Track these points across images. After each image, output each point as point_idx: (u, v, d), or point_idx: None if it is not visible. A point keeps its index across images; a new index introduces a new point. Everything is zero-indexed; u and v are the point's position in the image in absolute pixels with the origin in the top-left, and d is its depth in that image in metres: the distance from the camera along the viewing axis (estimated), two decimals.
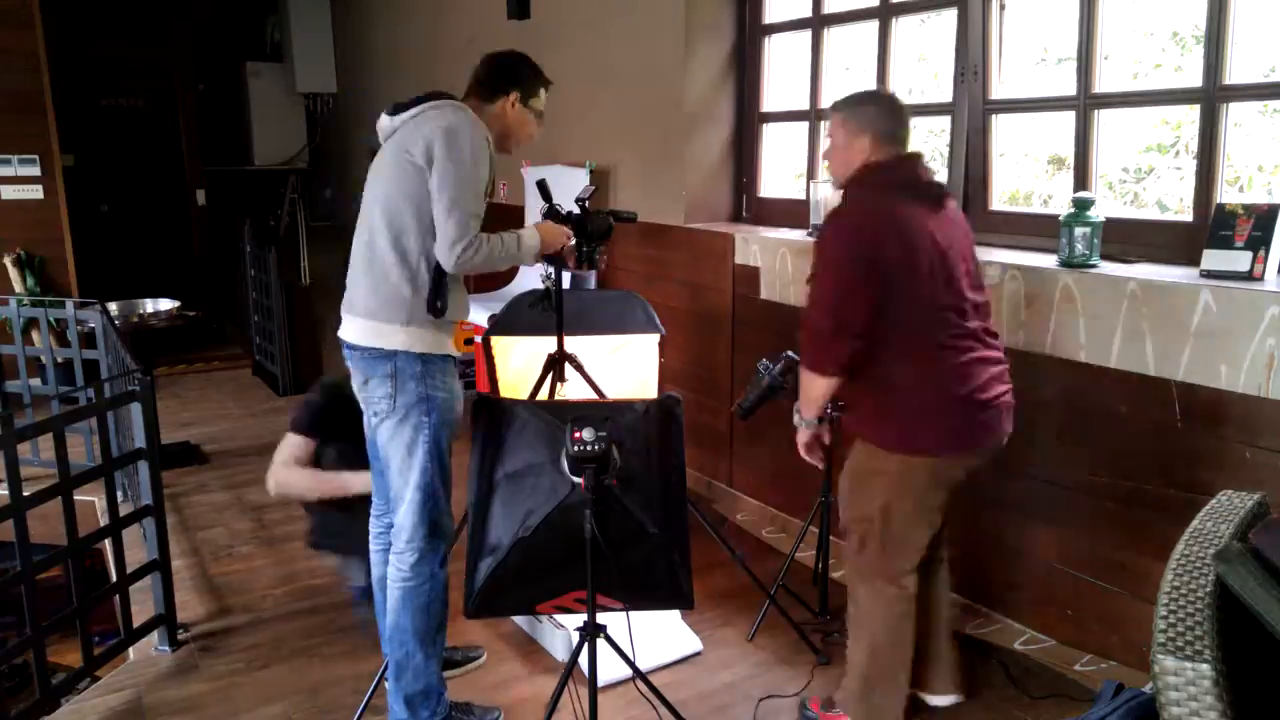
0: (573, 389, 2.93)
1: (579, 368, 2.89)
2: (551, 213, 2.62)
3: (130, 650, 2.94)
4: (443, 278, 2.25)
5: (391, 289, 2.23)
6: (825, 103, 3.77)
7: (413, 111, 2.29)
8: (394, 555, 2.34)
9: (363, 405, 2.38)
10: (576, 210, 2.68)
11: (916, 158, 2.33)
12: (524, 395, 2.90)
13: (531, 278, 4.75)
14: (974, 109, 3.12)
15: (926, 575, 2.43)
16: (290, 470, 2.93)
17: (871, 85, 3.51)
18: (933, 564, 2.46)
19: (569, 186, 3.63)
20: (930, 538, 2.34)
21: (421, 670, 2.36)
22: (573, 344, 2.94)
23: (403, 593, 2.32)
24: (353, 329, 2.31)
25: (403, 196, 2.22)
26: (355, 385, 2.37)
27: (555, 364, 2.89)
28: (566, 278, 2.84)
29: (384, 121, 2.36)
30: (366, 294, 2.27)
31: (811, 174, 3.82)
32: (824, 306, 2.19)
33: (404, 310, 2.23)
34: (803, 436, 2.41)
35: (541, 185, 2.66)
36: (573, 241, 2.59)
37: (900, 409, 2.21)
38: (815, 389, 2.26)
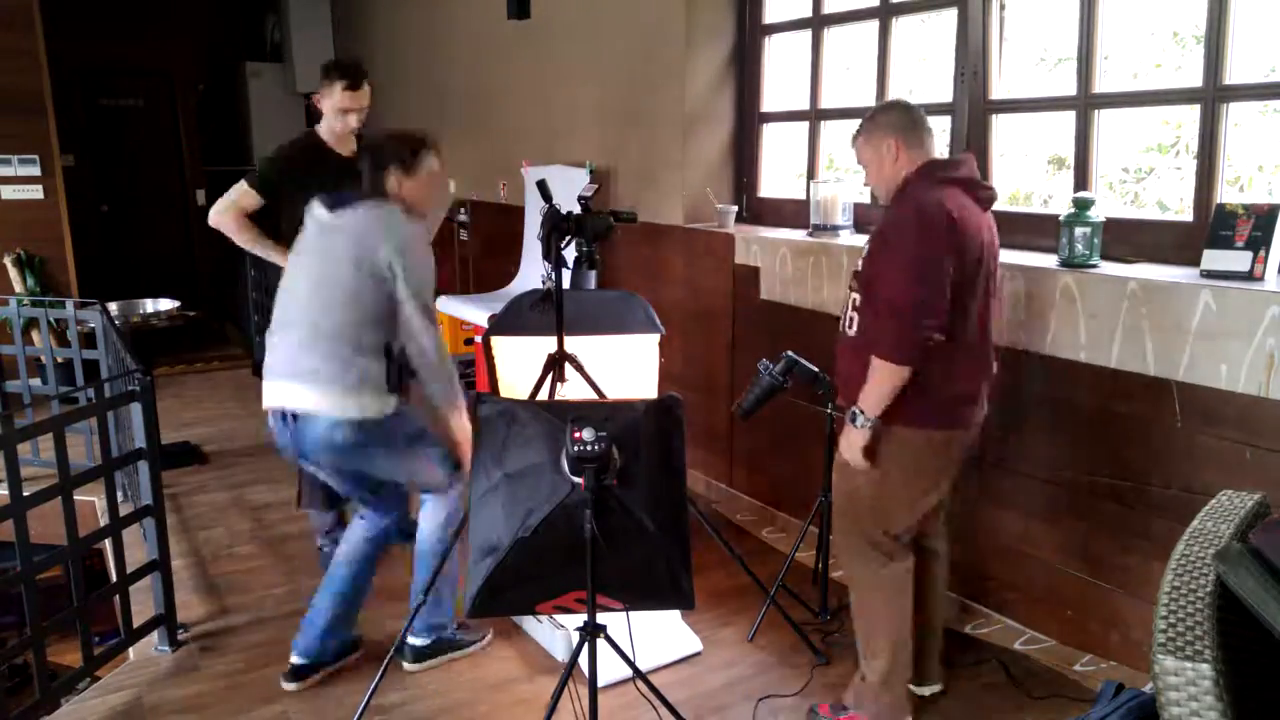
0: (573, 389, 2.92)
1: (579, 368, 2.89)
2: (552, 212, 2.65)
3: (130, 650, 2.94)
4: (394, 361, 2.48)
5: (357, 373, 2.42)
6: (825, 103, 3.77)
7: (356, 212, 2.48)
8: (423, 521, 2.73)
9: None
10: (578, 209, 2.69)
11: (971, 158, 2.38)
12: (524, 395, 2.89)
13: (532, 278, 4.75)
14: (974, 109, 3.12)
15: (924, 567, 2.47)
16: (232, 216, 3.21)
17: (872, 87, 3.51)
18: (929, 554, 2.51)
19: (569, 186, 3.63)
20: (922, 513, 2.39)
21: (442, 605, 2.76)
22: (573, 344, 2.93)
23: (434, 544, 2.70)
24: (310, 401, 2.45)
25: (360, 295, 2.41)
26: (334, 471, 2.64)
27: (555, 364, 2.89)
28: (566, 277, 2.84)
29: (322, 214, 2.52)
30: (328, 371, 2.43)
31: (812, 174, 3.82)
32: (904, 293, 2.15)
33: (367, 384, 2.44)
34: (860, 438, 2.27)
35: (541, 185, 2.70)
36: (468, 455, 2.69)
37: (920, 387, 2.22)
38: (889, 381, 2.18)
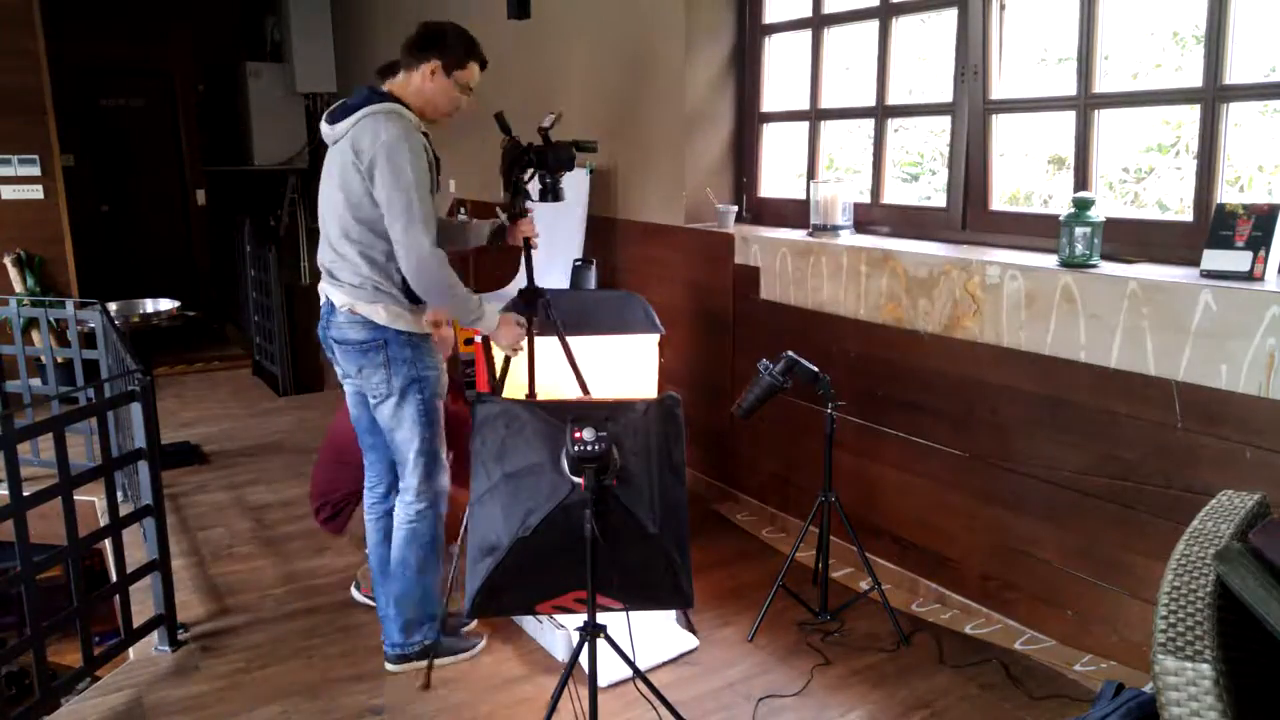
0: (564, 383, 2.92)
1: (547, 307, 2.79)
2: (513, 145, 2.67)
3: (130, 650, 2.94)
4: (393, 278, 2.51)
5: (366, 277, 2.49)
6: (825, 103, 3.77)
7: (350, 120, 2.45)
8: (402, 505, 2.66)
9: (360, 389, 2.66)
10: (539, 141, 2.69)
11: None
12: (523, 395, 2.89)
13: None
14: (974, 109, 3.12)
15: None
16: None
17: (872, 87, 3.51)
18: None
19: (569, 187, 3.62)
20: None
21: (421, 599, 2.69)
22: (572, 343, 2.93)
23: (409, 532, 2.65)
24: (340, 295, 2.53)
25: (357, 205, 2.45)
26: (348, 375, 2.63)
27: (530, 304, 2.80)
28: (565, 272, 2.84)
29: (325, 129, 2.53)
30: (346, 277, 2.51)
31: (812, 174, 3.82)
32: None
33: (382, 294, 2.50)
34: None
35: (499, 117, 2.70)
36: (524, 345, 2.73)
37: None
38: None
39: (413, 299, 2.52)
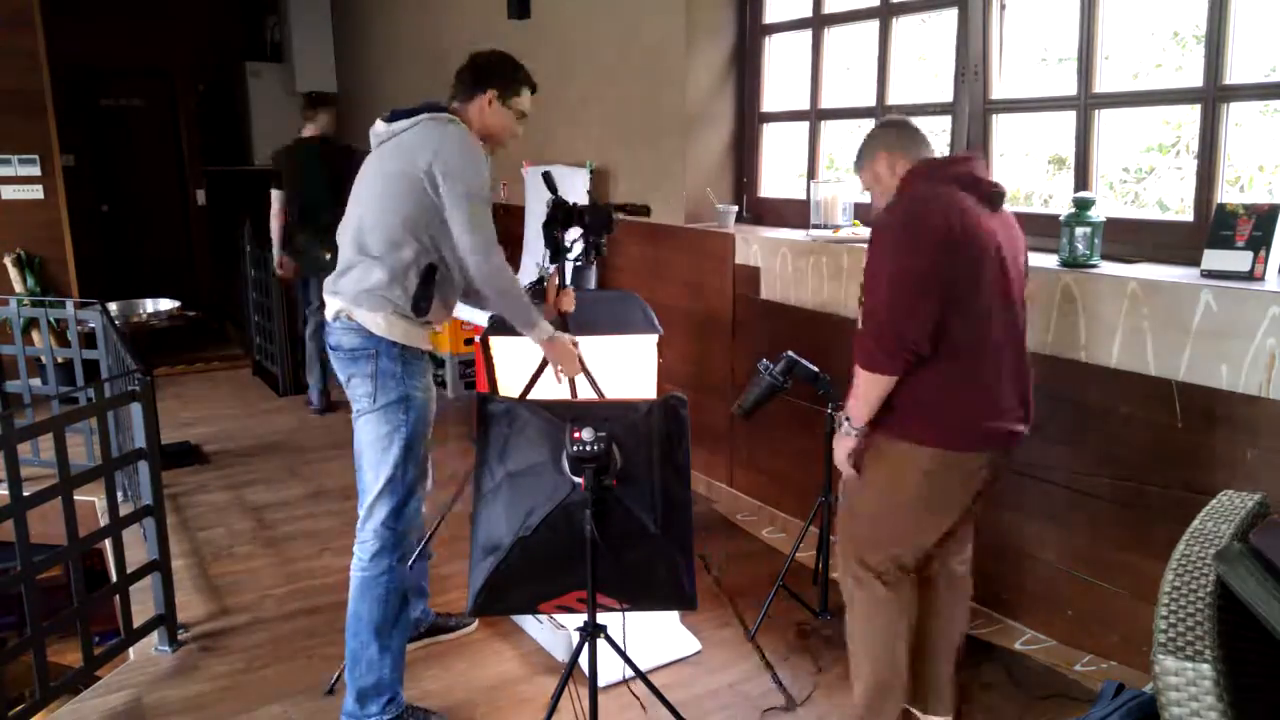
0: (580, 388, 2.92)
1: (580, 361, 2.86)
2: (557, 202, 2.64)
3: (130, 650, 2.93)
4: (429, 284, 2.35)
5: (376, 284, 2.32)
6: (825, 103, 3.77)
7: (409, 121, 2.35)
8: (357, 544, 2.41)
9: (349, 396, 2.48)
10: (584, 201, 2.70)
11: (973, 155, 2.25)
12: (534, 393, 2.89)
13: (531, 276, 4.74)
14: (974, 109, 3.12)
15: (939, 587, 2.36)
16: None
17: (872, 87, 3.51)
18: (947, 576, 2.37)
19: (570, 187, 3.63)
20: (928, 541, 2.25)
21: (375, 664, 2.39)
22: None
23: (361, 582, 2.39)
24: (339, 302, 2.39)
25: (399, 206, 2.30)
26: (341, 380, 2.46)
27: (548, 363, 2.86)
28: (568, 268, 2.83)
29: (379, 127, 2.42)
30: (353, 284, 2.36)
31: (812, 174, 3.82)
32: (884, 302, 2.06)
33: (387, 303, 2.32)
34: (849, 444, 2.20)
35: (547, 176, 2.71)
36: (580, 371, 2.65)
37: (919, 400, 2.10)
38: (868, 389, 2.11)
39: (419, 311, 2.35)
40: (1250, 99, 2.52)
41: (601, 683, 2.37)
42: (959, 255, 2.03)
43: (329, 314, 2.41)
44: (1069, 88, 2.86)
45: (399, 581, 2.41)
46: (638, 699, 2.50)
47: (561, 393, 2.70)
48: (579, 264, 2.81)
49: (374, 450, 2.36)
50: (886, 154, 2.20)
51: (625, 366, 3.20)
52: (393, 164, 2.33)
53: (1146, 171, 3.21)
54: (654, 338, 3.17)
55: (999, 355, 2.12)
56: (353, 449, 2.46)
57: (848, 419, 2.19)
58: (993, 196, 2.15)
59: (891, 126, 2.26)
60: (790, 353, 2.84)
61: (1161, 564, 1.57)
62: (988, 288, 2.07)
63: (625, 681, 2.58)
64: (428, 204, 2.28)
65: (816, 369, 2.82)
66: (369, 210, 2.35)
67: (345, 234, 2.42)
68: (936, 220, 2.03)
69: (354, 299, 2.34)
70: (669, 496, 2.18)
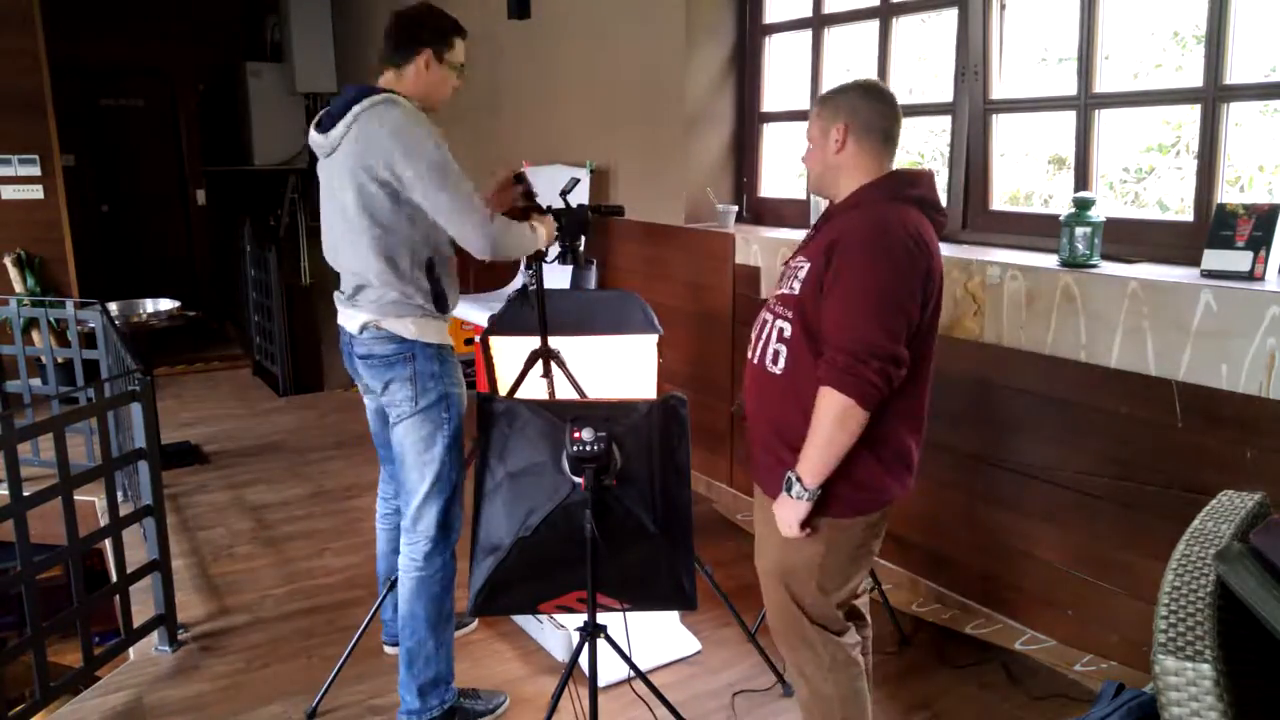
0: (559, 388, 2.92)
1: (561, 364, 2.87)
2: (531, 206, 2.63)
3: (130, 650, 2.93)
4: (436, 278, 2.33)
5: (397, 297, 2.31)
6: None
7: (343, 126, 2.24)
8: (407, 545, 2.42)
9: (379, 406, 2.48)
10: (560, 204, 2.68)
11: (931, 176, 1.99)
12: (519, 394, 2.89)
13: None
14: (974, 109, 3.12)
15: (864, 616, 2.18)
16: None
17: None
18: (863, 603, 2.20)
19: (554, 188, 3.62)
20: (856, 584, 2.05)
21: (433, 658, 2.43)
22: (570, 343, 2.93)
23: (416, 582, 2.41)
24: (360, 319, 2.34)
25: (372, 227, 2.25)
26: (372, 390, 2.44)
27: (536, 359, 2.87)
28: (547, 272, 2.83)
29: (316, 137, 2.32)
30: (371, 300, 2.32)
31: None
32: (866, 326, 1.79)
33: (413, 308, 2.32)
34: (799, 511, 1.86)
35: (520, 178, 2.65)
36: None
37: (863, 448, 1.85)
38: (846, 428, 1.78)
39: (441, 309, 2.35)
40: (1250, 99, 2.52)
41: (601, 683, 2.37)
42: (930, 281, 1.87)
43: (353, 327, 2.36)
44: (1069, 88, 2.86)
45: (452, 576, 2.44)
46: (641, 699, 2.49)
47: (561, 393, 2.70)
48: (579, 267, 2.81)
49: (417, 452, 2.36)
50: (844, 125, 1.92)
51: (625, 366, 3.20)
52: (345, 184, 2.24)
53: (1146, 171, 3.21)
54: (654, 338, 3.17)
55: (928, 392, 1.96)
56: (376, 440, 2.54)
57: (798, 479, 1.84)
58: (941, 223, 1.99)
59: (874, 105, 1.94)
60: None
61: (1161, 564, 1.57)
62: (935, 319, 1.92)
63: (626, 681, 2.58)
64: (399, 210, 2.24)
65: None
66: (349, 225, 2.28)
67: (336, 256, 2.39)
68: (911, 232, 1.85)
69: (379, 310, 2.31)
70: (669, 496, 2.18)
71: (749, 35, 4.04)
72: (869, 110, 1.93)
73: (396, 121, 2.19)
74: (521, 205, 2.59)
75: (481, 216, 2.24)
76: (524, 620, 3.00)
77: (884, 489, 1.92)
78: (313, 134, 2.33)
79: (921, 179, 1.97)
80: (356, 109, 2.22)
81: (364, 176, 2.21)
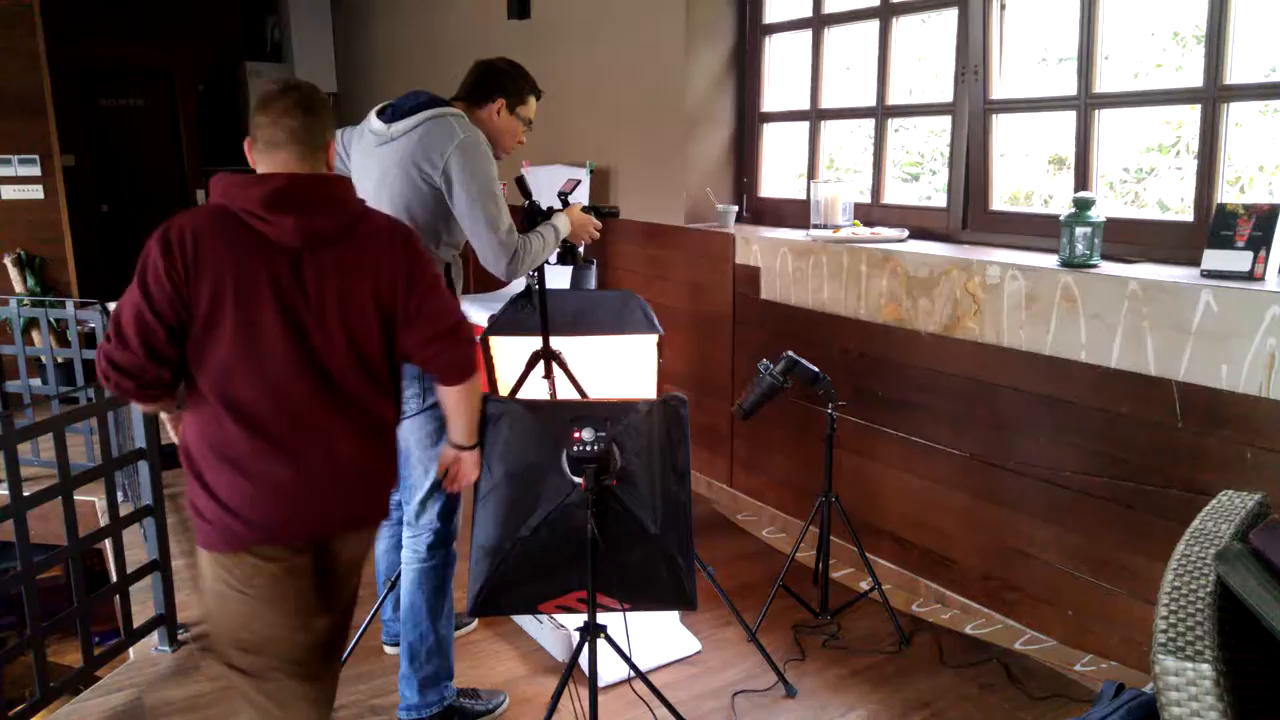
0: (560, 389, 2.92)
1: (563, 365, 2.87)
2: (530, 208, 2.64)
3: (130, 650, 2.93)
4: (451, 281, 2.36)
5: None
6: (825, 103, 3.77)
7: (412, 121, 2.30)
8: (410, 539, 2.43)
9: None
10: (558, 205, 2.69)
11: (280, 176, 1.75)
12: (519, 394, 2.89)
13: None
14: (974, 109, 3.12)
15: None
16: None
17: (872, 87, 3.51)
18: None
19: (552, 188, 3.62)
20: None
21: (434, 652, 2.43)
22: (570, 344, 2.93)
23: (418, 573, 2.42)
24: None
25: (411, 210, 2.28)
26: None
27: (538, 359, 2.87)
28: (565, 277, 2.84)
29: (376, 125, 2.36)
30: None
31: (812, 174, 3.82)
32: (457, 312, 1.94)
33: None
34: (474, 458, 2.06)
35: (520, 181, 2.67)
36: (598, 232, 2.69)
37: None
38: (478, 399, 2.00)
39: None
40: (1250, 99, 2.52)
41: (601, 683, 2.37)
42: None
43: None
44: (1069, 88, 2.86)
45: (453, 567, 2.46)
46: (641, 699, 2.50)
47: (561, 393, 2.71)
48: (579, 267, 2.81)
49: (422, 447, 2.38)
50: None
51: (625, 366, 3.20)
52: (399, 170, 2.29)
53: (1146, 171, 3.22)
54: (654, 338, 3.17)
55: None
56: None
57: (464, 441, 2.02)
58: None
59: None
60: (790, 353, 2.84)
61: (1161, 564, 1.57)
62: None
63: (626, 681, 2.58)
64: (439, 209, 2.29)
65: (816, 369, 2.82)
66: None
67: None
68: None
69: None
70: (669, 496, 2.18)
71: (749, 35, 4.05)
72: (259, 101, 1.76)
73: (470, 139, 2.28)
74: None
75: (509, 252, 2.33)
76: (524, 620, 3.00)
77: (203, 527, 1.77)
78: (373, 119, 2.38)
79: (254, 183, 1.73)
80: (432, 112, 2.30)
81: (415, 172, 2.27)
